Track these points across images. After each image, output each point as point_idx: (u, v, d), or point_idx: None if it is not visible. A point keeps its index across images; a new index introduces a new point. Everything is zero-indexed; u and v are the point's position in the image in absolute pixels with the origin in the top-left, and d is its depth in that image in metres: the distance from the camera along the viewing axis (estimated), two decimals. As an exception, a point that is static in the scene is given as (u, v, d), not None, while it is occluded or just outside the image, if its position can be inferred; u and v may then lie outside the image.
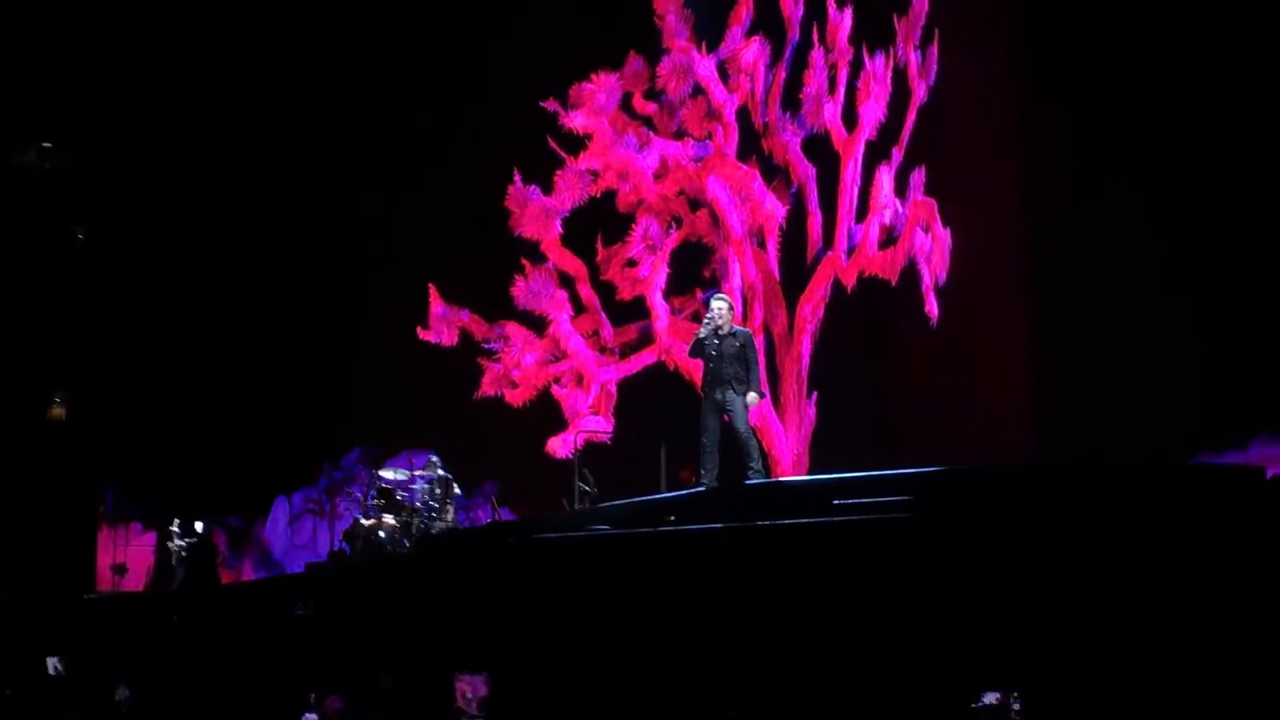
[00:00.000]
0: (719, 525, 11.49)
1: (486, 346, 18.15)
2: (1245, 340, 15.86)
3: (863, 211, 17.50)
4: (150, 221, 22.10)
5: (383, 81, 21.70)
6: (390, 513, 16.87)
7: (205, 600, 15.20)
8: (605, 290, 18.11)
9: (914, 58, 17.51)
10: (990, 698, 8.68)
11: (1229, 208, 16.07)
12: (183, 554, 17.97)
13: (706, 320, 13.16)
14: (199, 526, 18.27)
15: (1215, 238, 16.09)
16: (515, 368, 17.96)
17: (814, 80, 17.53)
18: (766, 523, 11.15)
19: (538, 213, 17.86)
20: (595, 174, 17.88)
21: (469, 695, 10.03)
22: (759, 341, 17.27)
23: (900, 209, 17.32)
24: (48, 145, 20.75)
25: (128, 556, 20.33)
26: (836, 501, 11.14)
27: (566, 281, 18.07)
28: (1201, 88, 16.24)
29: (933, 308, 17.03)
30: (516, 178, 17.88)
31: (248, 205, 22.17)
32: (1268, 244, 15.89)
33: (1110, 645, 9.10)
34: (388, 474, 17.78)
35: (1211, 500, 10.47)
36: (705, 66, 17.71)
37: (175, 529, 18.61)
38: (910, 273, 17.19)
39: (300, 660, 12.35)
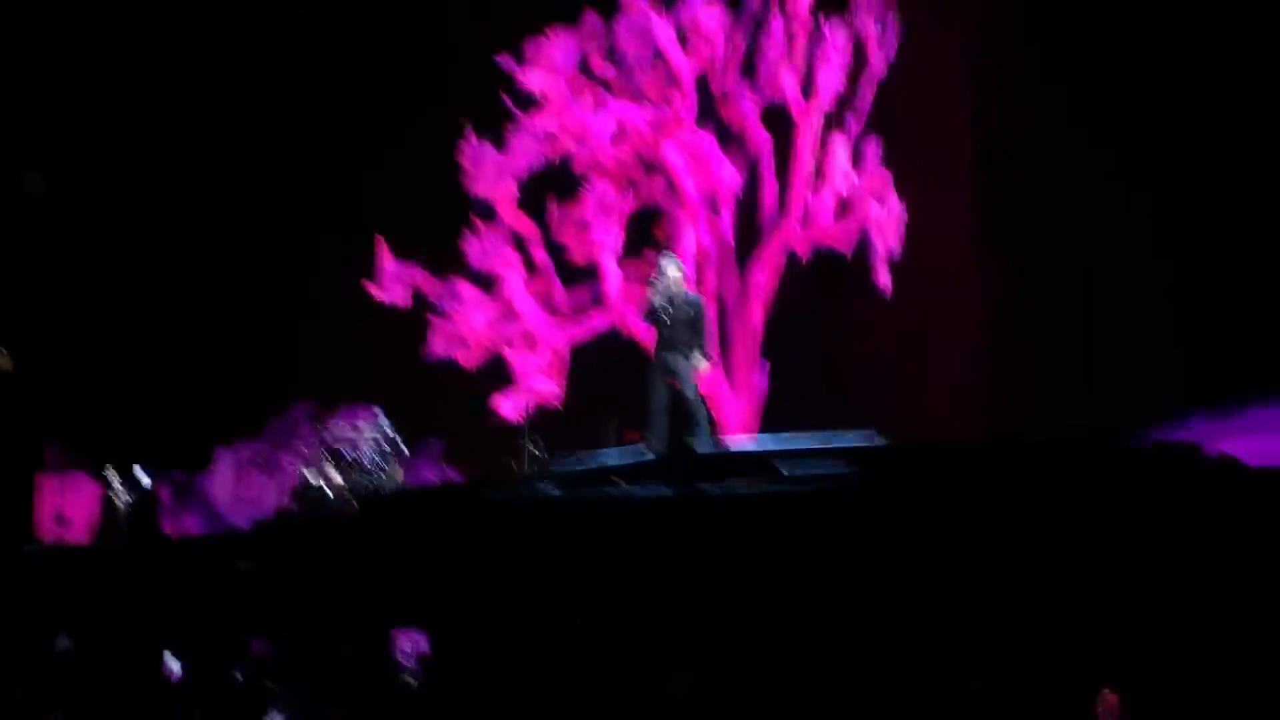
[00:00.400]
0: (664, 489, 11.56)
1: (437, 305, 18.06)
2: (1193, 318, 16.08)
3: (818, 181, 17.53)
4: (99, 170, 21.81)
5: (338, 34, 21.48)
6: (336, 470, 16.85)
7: (151, 554, 15.15)
8: (558, 252, 18.06)
9: (873, 29, 17.55)
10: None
11: (1181, 188, 16.27)
12: (129, 508, 17.87)
13: (658, 284, 13.13)
14: (143, 479, 18.15)
15: (1166, 215, 16.29)
16: (466, 328, 17.89)
17: (773, 48, 17.53)
18: (711, 487, 11.23)
19: (492, 171, 17.78)
20: (551, 135, 17.79)
21: (409, 651, 10.05)
22: (710, 310, 17.34)
23: (855, 180, 17.37)
24: None
25: (71, 506, 20.16)
26: (779, 468, 11.24)
27: (519, 242, 18.01)
28: (1158, 68, 16.41)
29: (884, 279, 17.12)
30: (470, 135, 17.79)
31: (197, 156, 21.92)
32: (1216, 225, 16.10)
33: (1049, 619, 9.24)
34: (335, 431, 17.74)
35: (1150, 476, 10.64)
36: (664, 30, 17.66)
37: (117, 480, 18.50)
38: (863, 243, 17.26)
39: (243, 615, 12.34)
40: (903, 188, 17.20)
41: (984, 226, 17.49)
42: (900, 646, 9.62)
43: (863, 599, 10.08)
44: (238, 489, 21.00)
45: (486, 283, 18.01)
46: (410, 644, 10.10)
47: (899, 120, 17.68)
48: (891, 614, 9.97)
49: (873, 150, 17.34)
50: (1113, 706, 7.93)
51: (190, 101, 21.87)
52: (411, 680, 9.83)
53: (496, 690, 9.30)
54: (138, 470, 18.26)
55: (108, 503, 18.66)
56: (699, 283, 17.60)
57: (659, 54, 17.74)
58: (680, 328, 12.92)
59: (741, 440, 16.03)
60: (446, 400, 19.12)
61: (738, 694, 8.42)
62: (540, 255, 18.08)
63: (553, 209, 18.00)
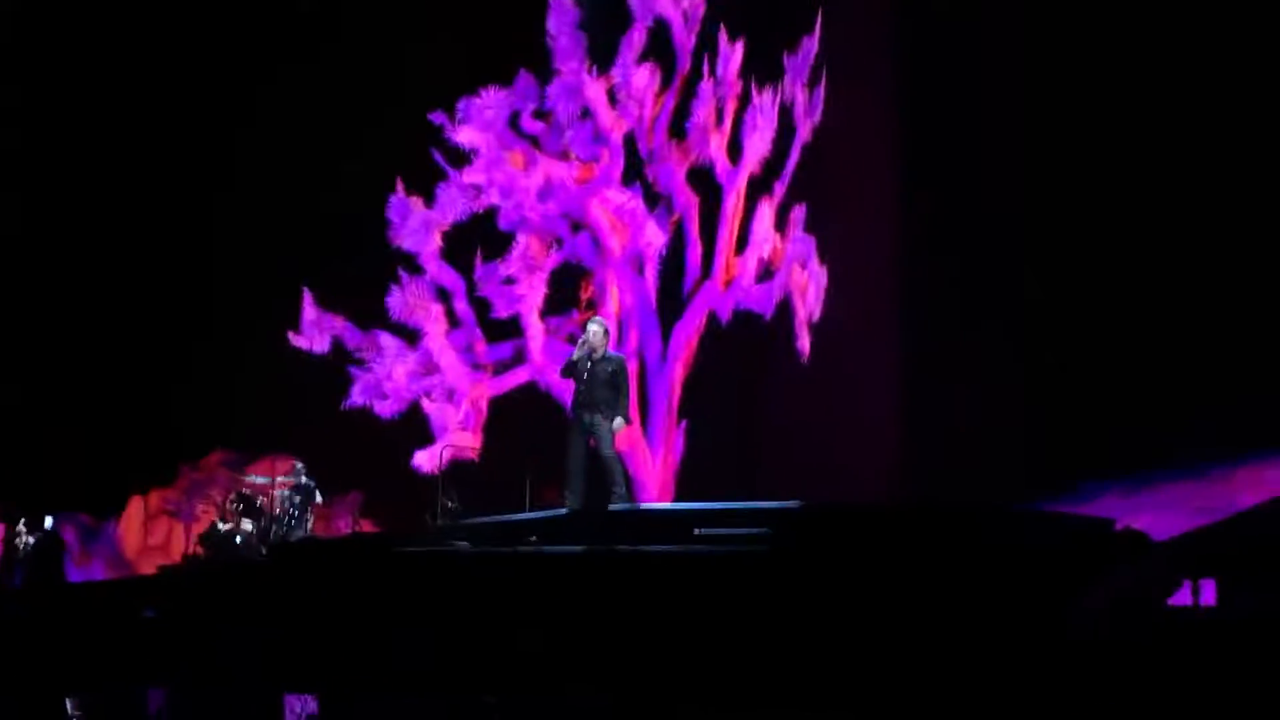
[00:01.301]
0: (579, 548, 11.48)
1: (358, 355, 17.97)
2: (1108, 389, 16.26)
3: (742, 244, 17.67)
4: (16, 209, 21.53)
5: (274, 83, 21.43)
6: (249, 518, 16.64)
7: (50, 599, 14.81)
8: (481, 306, 18.05)
9: (800, 95, 17.75)
10: None
11: (1111, 247, 16.47)
12: (29, 550, 17.54)
13: (581, 342, 13.17)
14: (48, 522, 17.83)
15: (1090, 276, 16.49)
16: (386, 379, 17.80)
17: (701, 111, 17.69)
18: (626, 548, 11.17)
19: (418, 224, 17.78)
20: (478, 189, 17.83)
21: (299, 711, 9.89)
22: (632, 367, 17.36)
23: (779, 244, 17.52)
24: None
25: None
26: (697, 531, 11.21)
27: (443, 295, 17.98)
28: (1078, 125, 16.67)
29: (804, 344, 17.24)
30: (399, 187, 17.81)
31: (119, 202, 21.72)
32: (1134, 288, 16.28)
33: (957, 685, 9.25)
34: (249, 479, 17.51)
35: (1061, 546, 10.71)
36: (595, 90, 17.77)
37: (22, 526, 18.17)
38: (784, 307, 17.39)
39: (144, 664, 12.08)
40: (825, 252, 17.35)
41: (905, 291, 17.64)
42: (809, 708, 9.59)
43: (773, 660, 10.06)
44: (147, 536, 20.71)
45: (409, 335, 17.95)
46: (300, 706, 9.94)
47: (823, 186, 17.86)
48: (802, 676, 9.95)
49: (797, 215, 17.49)
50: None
51: (113, 148, 21.69)
52: None
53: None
54: (42, 516, 17.93)
55: (10, 547, 18.30)
56: (621, 342, 17.63)
57: (588, 112, 17.84)
58: (600, 386, 12.91)
59: (660, 505, 16.05)
60: (366, 451, 18.98)
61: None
62: (463, 309, 18.05)
63: (477, 263, 17.98)
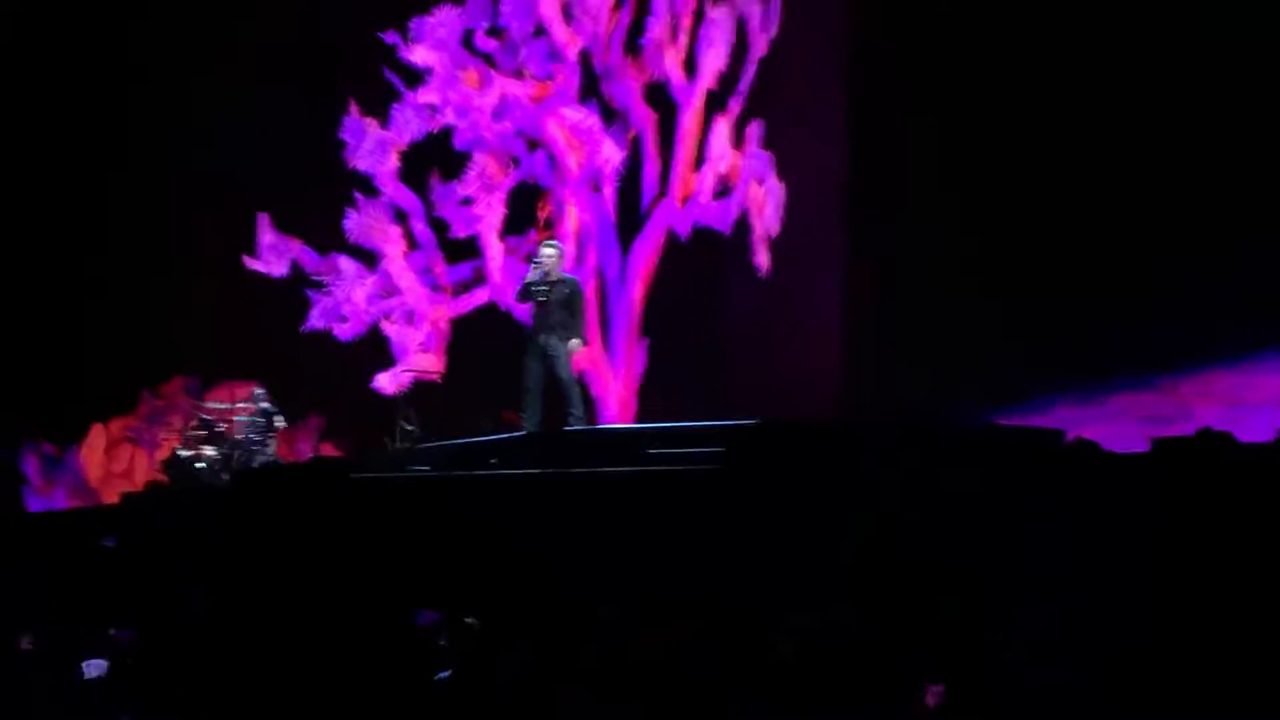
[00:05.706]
0: (536, 470, 11.62)
1: (317, 279, 17.95)
2: (1058, 300, 16.34)
3: (699, 161, 17.63)
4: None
5: (224, 6, 21.14)
6: (210, 444, 16.71)
7: (9, 529, 14.88)
8: (440, 227, 18.00)
9: (756, 10, 17.64)
10: None
11: (1050, 162, 16.45)
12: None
13: (535, 265, 13.25)
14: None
15: (1034, 195, 16.51)
16: (345, 302, 17.82)
17: (656, 26, 17.57)
18: (582, 469, 11.31)
19: (373, 145, 17.70)
20: (433, 109, 17.73)
21: None
22: (591, 287, 17.38)
23: (735, 160, 17.50)
24: None
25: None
26: (650, 451, 11.35)
27: (401, 217, 17.93)
28: (1033, 47, 16.62)
29: (762, 259, 17.30)
30: (353, 109, 17.69)
31: (78, 127, 21.45)
32: (1084, 199, 16.29)
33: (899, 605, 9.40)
34: (211, 405, 17.55)
35: (1010, 460, 10.85)
36: (549, 6, 17.62)
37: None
38: (743, 224, 17.42)
39: (105, 594, 12.16)
40: (781, 168, 17.34)
41: (857, 206, 17.68)
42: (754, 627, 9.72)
43: (724, 580, 10.19)
44: (110, 463, 20.69)
45: (368, 257, 17.92)
46: None
47: (779, 101, 17.79)
48: (755, 593, 10.09)
49: (754, 131, 17.46)
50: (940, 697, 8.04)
51: (68, 66, 21.39)
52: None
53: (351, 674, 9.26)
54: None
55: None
56: (580, 260, 17.64)
57: (543, 29, 17.70)
58: (556, 308, 13.01)
59: (616, 424, 16.15)
60: (327, 375, 19.01)
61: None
62: (421, 230, 18.01)
63: (435, 184, 17.91)
